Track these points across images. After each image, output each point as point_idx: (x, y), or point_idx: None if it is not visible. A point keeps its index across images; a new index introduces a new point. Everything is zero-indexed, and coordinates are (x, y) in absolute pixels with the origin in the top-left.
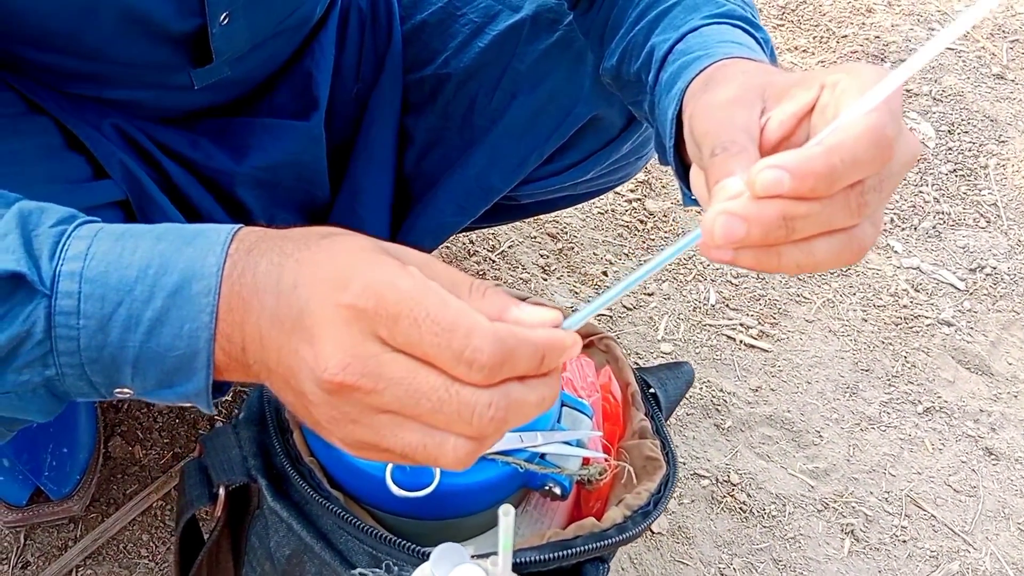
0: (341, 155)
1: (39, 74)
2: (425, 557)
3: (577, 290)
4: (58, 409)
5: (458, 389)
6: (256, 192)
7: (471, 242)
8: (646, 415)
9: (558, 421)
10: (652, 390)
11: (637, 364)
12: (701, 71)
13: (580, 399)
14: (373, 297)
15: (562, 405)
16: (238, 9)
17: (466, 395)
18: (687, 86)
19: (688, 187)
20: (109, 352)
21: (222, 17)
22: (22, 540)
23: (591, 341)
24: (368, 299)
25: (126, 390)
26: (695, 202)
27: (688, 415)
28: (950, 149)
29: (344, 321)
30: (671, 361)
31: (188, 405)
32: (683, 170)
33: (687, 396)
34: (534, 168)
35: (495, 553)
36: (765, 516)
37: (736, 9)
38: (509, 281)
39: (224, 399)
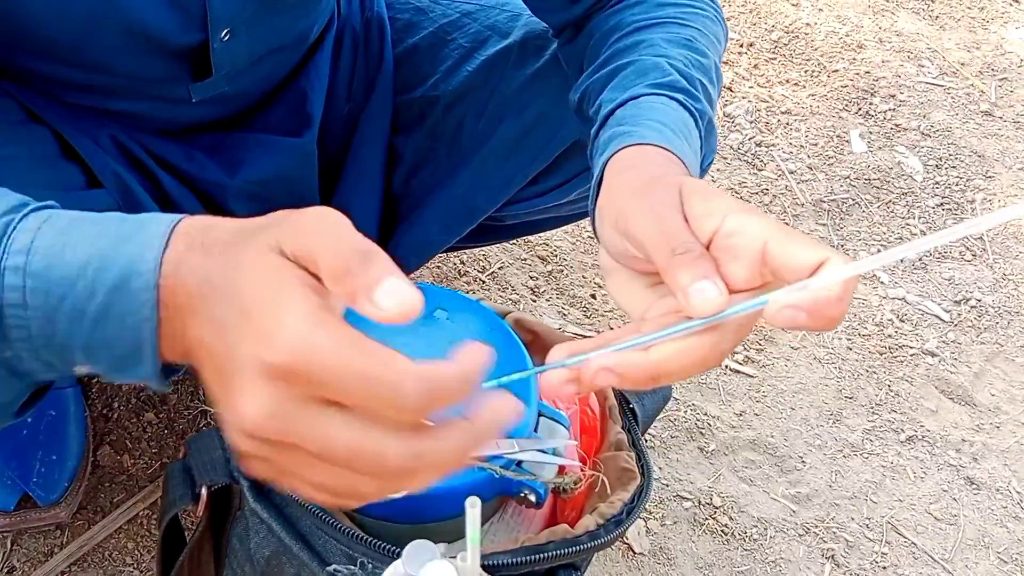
0: (331, 173)
1: (41, 84)
2: (399, 556)
3: (565, 312)
4: (20, 391)
5: (372, 440)
6: (248, 206)
7: (461, 263)
8: (623, 428)
9: (535, 431)
10: (631, 405)
11: None
12: (616, 152)
13: (557, 410)
14: (300, 361)
15: (539, 415)
16: (240, 26)
17: (377, 444)
18: (607, 162)
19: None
20: (59, 340)
21: (223, 33)
22: (8, 545)
23: None
24: (294, 362)
25: (83, 369)
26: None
27: (672, 438)
28: (937, 183)
29: (268, 379)
30: None
31: (175, 414)
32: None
33: (672, 419)
34: (519, 189)
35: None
36: (746, 539)
37: (679, 80)
38: (499, 302)
39: (194, 408)
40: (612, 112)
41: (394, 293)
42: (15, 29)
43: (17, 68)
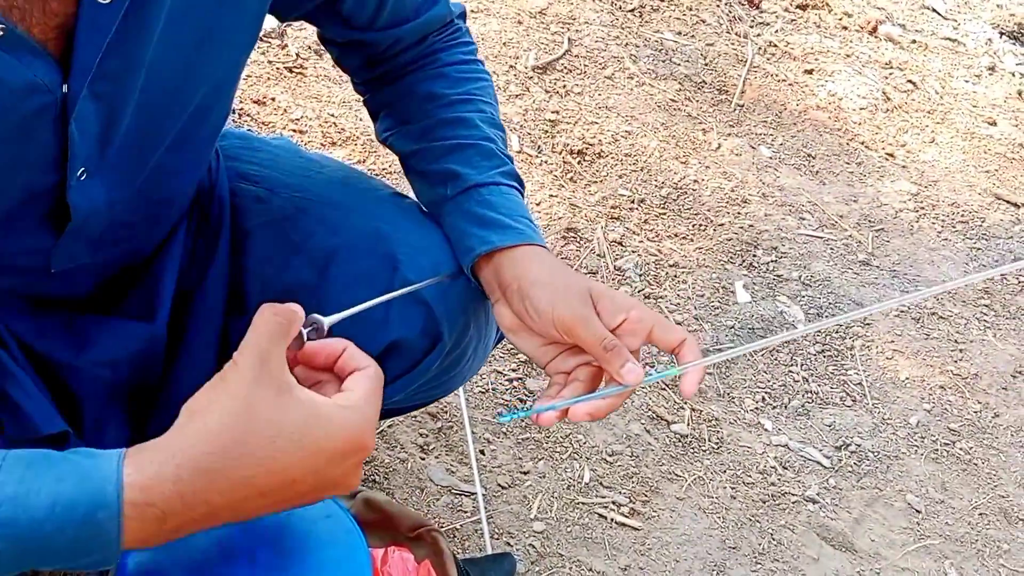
0: (168, 344)
1: None
2: None
3: (453, 469)
4: None
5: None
6: (92, 385)
7: None
8: None
9: None
10: None
11: (508, 545)
12: (510, 247)
13: None
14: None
15: None
16: (93, 167)
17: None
18: (493, 250)
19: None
20: (28, 564)
21: (80, 172)
22: None
23: (419, 534)
24: (351, 447)
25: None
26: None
27: None
28: (818, 331)
29: (346, 463)
30: (496, 553)
31: None
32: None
33: None
34: None
35: None
36: None
37: (511, 167)
38: (386, 461)
39: None
40: (475, 186)
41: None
42: None
43: None
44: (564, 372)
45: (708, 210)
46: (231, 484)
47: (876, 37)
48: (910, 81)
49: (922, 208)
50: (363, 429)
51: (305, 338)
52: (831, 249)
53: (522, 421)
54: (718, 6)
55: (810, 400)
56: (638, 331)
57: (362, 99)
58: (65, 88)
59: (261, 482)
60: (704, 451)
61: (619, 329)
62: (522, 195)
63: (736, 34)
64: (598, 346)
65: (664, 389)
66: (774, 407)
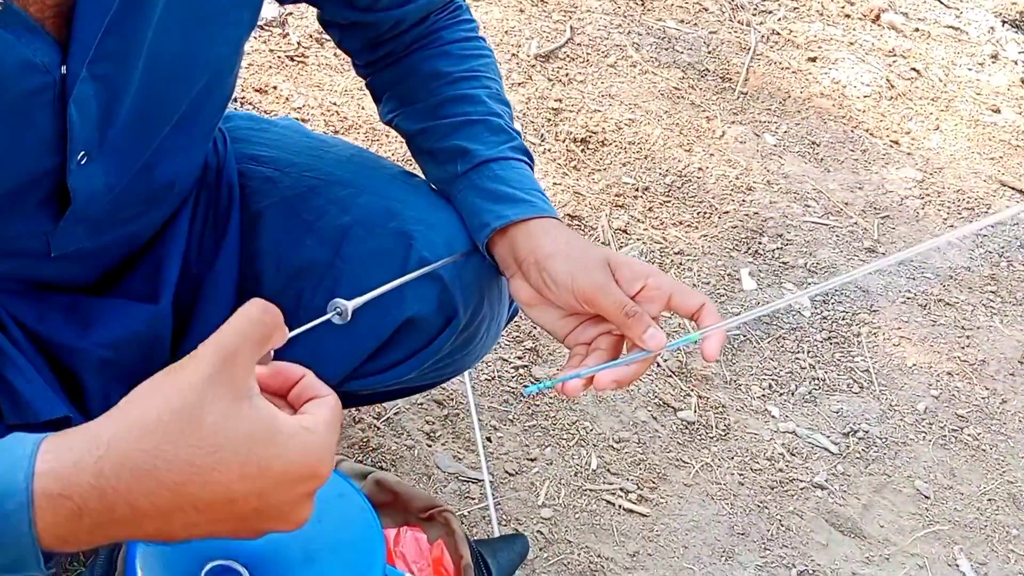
0: (177, 330)
1: None
2: None
3: (460, 456)
4: None
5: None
6: (96, 368)
7: (357, 408)
8: None
9: None
10: (487, 560)
11: (516, 530)
12: (524, 220)
13: (406, 573)
14: (308, 471)
15: None
16: (94, 150)
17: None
18: (508, 224)
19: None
20: None
21: (80, 156)
22: None
23: (431, 515)
24: (295, 473)
25: None
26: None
27: None
28: (824, 318)
29: (300, 494)
30: (509, 534)
31: None
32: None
33: (564, 563)
34: (359, 365)
35: None
36: None
37: (520, 141)
38: (393, 448)
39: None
40: (485, 161)
41: None
42: None
43: None
44: (584, 343)
45: (713, 198)
46: (159, 489)
47: (879, 25)
48: (913, 69)
49: (927, 195)
50: (321, 455)
51: (270, 355)
52: (837, 236)
53: (528, 408)
54: None
55: (817, 387)
56: (657, 297)
57: (364, 82)
58: (64, 69)
59: (194, 493)
60: (711, 438)
61: (638, 296)
62: (532, 169)
63: (739, 22)
64: (619, 313)
65: (670, 376)
66: (781, 394)
